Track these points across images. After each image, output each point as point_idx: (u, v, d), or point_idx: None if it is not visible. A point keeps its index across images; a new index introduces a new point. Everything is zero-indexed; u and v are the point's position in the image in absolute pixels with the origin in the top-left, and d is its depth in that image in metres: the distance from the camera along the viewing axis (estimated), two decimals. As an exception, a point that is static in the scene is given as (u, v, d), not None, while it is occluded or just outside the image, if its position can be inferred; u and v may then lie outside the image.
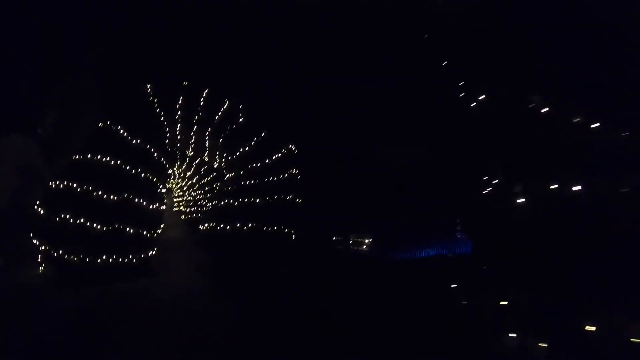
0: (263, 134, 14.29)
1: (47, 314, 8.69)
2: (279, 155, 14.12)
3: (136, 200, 11.99)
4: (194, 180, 25.24)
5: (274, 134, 14.52)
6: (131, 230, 11.71)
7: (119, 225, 11.53)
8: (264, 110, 15.09)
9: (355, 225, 15.89)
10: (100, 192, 11.56)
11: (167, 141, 14.03)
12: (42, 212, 11.54)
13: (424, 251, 14.71)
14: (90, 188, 11.52)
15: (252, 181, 13.34)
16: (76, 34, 15.28)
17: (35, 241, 11.68)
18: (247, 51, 15.35)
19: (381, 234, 15.66)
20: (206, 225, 13.23)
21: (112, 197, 11.63)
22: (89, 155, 12.03)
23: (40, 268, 11.95)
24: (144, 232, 12.06)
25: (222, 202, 13.13)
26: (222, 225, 12.66)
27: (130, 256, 11.65)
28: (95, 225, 11.30)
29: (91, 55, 15.45)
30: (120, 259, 11.46)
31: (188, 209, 25.72)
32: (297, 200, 13.82)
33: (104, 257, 11.33)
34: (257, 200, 12.92)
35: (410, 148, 14.98)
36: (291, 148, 14.49)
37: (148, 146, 12.95)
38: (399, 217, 15.26)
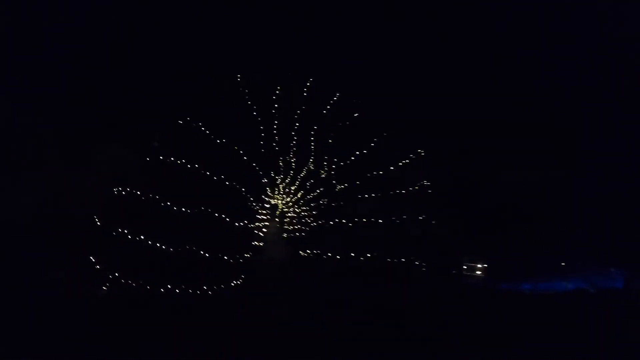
0: (384, 135, 10.66)
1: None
2: (405, 161, 10.41)
3: (221, 216, 9.34)
4: (298, 195, 22.31)
5: (398, 134, 10.86)
6: (208, 254, 8.86)
7: (194, 247, 8.70)
8: (384, 105, 11.59)
9: (469, 248, 13.60)
10: (175, 204, 8.90)
11: (261, 143, 10.93)
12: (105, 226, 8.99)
13: (557, 283, 12.73)
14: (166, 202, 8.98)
15: (370, 195, 9.72)
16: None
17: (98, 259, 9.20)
18: (362, 30, 11.95)
19: (502, 260, 13.55)
20: (308, 251, 9.87)
21: (190, 210, 8.85)
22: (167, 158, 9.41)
23: (104, 287, 9.51)
24: (228, 257, 9.32)
25: (330, 222, 9.66)
26: (328, 255, 9.23)
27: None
28: (168, 247, 8.57)
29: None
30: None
31: (290, 227, 23.19)
32: (431, 221, 10.04)
33: (177, 285, 8.63)
34: (378, 221, 9.28)
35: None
36: (420, 152, 10.74)
37: (240, 151, 10.04)
38: (526, 241, 13.42)
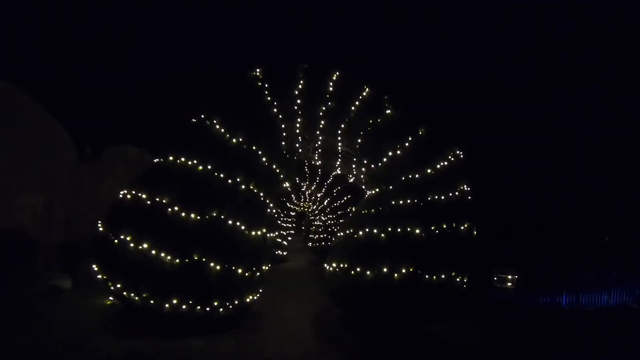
0: (420, 133, 9.41)
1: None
2: (444, 164, 9.13)
3: (235, 224, 8.22)
4: (325, 203, 21.01)
5: (436, 132, 9.59)
6: (218, 267, 7.82)
7: (203, 259, 7.62)
8: (419, 100, 10.33)
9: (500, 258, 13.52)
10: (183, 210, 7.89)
11: (283, 144, 9.80)
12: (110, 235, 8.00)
13: (598, 297, 12.25)
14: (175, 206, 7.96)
15: (405, 201, 8.48)
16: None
17: (100, 269, 8.27)
18: (394, 19, 10.77)
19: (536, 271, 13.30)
20: (334, 265, 8.66)
21: (198, 217, 7.85)
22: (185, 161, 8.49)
23: (110, 298, 9.12)
24: (241, 271, 8.19)
25: (360, 232, 8.43)
26: (357, 270, 7.97)
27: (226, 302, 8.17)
28: (172, 258, 7.53)
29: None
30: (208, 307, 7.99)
31: (316, 236, 21.97)
32: (473, 231, 8.71)
33: (183, 302, 7.69)
34: (415, 231, 8.00)
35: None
36: (458, 154, 9.43)
37: (259, 152, 9.06)
38: (565, 250, 13.21)
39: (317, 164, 11.72)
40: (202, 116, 9.12)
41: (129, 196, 8.16)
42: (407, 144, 9.17)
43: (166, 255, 7.60)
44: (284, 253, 19.30)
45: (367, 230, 8.26)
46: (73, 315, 8.61)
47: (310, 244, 21.58)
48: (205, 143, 8.85)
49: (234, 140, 8.89)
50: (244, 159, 8.77)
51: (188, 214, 7.86)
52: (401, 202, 8.41)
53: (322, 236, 20.53)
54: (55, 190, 12.03)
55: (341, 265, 8.40)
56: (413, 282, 7.66)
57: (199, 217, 7.85)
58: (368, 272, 7.76)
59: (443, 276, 7.92)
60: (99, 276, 8.43)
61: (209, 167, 8.47)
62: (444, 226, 8.15)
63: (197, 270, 7.64)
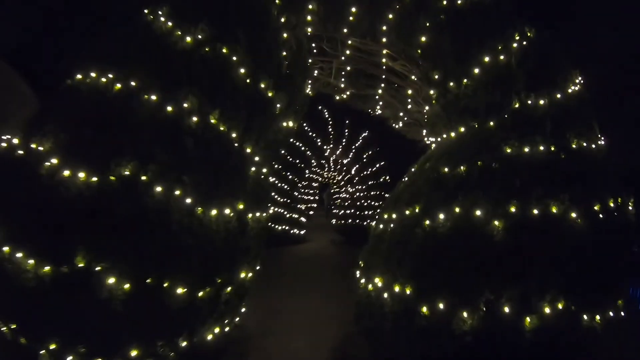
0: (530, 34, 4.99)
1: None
2: (575, 88, 4.79)
3: None
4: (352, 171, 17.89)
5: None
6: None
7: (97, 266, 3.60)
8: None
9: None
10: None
11: (280, 50, 5.41)
12: None
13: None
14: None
15: (520, 150, 4.17)
16: None
17: None
18: None
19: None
20: (377, 283, 4.43)
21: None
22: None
23: None
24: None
25: (434, 217, 4.15)
26: (437, 305, 3.77)
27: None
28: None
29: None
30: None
31: (341, 211, 18.69)
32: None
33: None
34: (570, 214, 3.72)
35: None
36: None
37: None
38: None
39: (343, 96, 7.33)
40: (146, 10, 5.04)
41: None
42: (515, 46, 4.83)
43: (27, 257, 3.65)
44: (302, 232, 15.64)
45: (447, 212, 3.99)
46: None
47: (333, 220, 17.97)
48: (138, 50, 4.79)
49: (188, 40, 4.74)
50: (203, 71, 4.61)
51: (75, 174, 3.83)
52: (514, 151, 4.10)
53: (348, 212, 16.78)
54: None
55: (393, 289, 4.15)
56: (563, 327, 3.45)
57: (94, 179, 3.81)
58: (464, 314, 3.51)
59: (611, 313, 3.68)
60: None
61: (133, 84, 4.38)
62: (611, 204, 3.85)
63: (83, 287, 3.66)
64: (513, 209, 3.65)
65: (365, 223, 15.48)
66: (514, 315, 3.43)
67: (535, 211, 3.61)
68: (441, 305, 3.62)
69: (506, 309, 3.44)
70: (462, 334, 3.43)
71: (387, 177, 16.34)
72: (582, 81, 5.23)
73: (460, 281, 3.53)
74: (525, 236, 3.56)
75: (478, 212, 3.74)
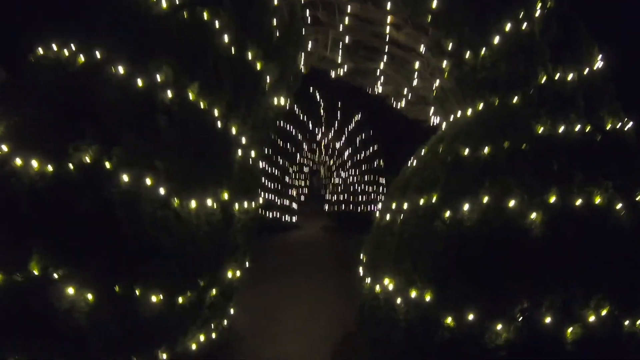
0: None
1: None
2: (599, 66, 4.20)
3: None
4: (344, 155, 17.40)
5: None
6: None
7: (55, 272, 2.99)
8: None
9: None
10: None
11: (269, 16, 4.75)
12: None
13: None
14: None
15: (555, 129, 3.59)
16: None
17: None
18: None
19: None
20: (386, 284, 3.85)
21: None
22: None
23: None
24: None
25: (455, 209, 3.55)
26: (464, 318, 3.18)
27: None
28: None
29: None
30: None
31: (334, 197, 18.30)
32: None
33: None
34: (615, 204, 3.15)
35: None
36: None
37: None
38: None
39: (340, 72, 6.66)
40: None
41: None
42: (537, 14, 4.23)
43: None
44: (294, 219, 15.16)
45: (473, 202, 3.38)
46: None
47: (326, 206, 17.55)
48: (106, 16, 4.12)
49: (164, 3, 4.07)
50: (180, 39, 3.95)
51: (27, 163, 3.21)
52: (547, 131, 3.53)
53: (340, 198, 16.37)
54: None
55: (409, 294, 3.55)
56: (606, 335, 2.94)
57: (50, 168, 3.19)
58: (499, 326, 2.94)
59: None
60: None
61: (98, 55, 3.73)
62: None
63: (40, 298, 3.07)
64: (553, 199, 3.09)
65: (358, 209, 15.15)
66: (555, 326, 2.90)
67: (579, 201, 3.07)
68: (471, 317, 3.09)
69: (547, 319, 2.90)
70: (495, 348, 2.90)
71: (381, 161, 15.93)
72: (604, 58, 4.68)
73: (493, 286, 2.96)
74: (568, 231, 3.01)
75: (512, 203, 3.17)
